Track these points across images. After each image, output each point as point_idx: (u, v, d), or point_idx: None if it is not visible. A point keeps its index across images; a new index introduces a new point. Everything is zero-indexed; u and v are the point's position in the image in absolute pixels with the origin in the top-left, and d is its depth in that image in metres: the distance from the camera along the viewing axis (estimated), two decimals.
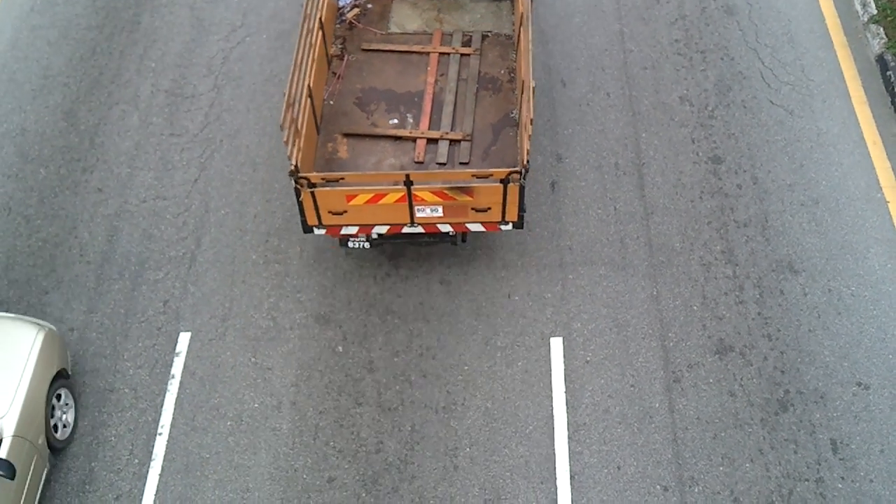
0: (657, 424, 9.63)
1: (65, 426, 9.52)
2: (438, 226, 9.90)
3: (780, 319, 10.32)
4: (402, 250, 10.97)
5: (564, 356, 10.13)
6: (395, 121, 10.73)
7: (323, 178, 9.31)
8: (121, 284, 10.81)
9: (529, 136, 9.22)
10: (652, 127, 12.10)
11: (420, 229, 9.93)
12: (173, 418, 9.82)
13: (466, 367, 10.09)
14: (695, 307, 10.46)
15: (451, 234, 10.19)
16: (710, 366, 10.02)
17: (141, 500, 9.27)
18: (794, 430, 9.55)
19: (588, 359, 10.10)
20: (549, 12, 13.45)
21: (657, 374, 9.98)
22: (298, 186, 9.33)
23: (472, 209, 9.67)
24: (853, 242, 10.90)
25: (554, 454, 9.47)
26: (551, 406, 9.79)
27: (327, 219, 9.73)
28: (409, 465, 9.45)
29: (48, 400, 9.08)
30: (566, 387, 9.92)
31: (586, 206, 11.35)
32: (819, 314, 10.35)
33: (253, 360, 10.21)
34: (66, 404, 9.57)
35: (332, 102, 10.92)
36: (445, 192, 9.45)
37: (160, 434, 9.71)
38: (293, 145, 9.36)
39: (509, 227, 9.90)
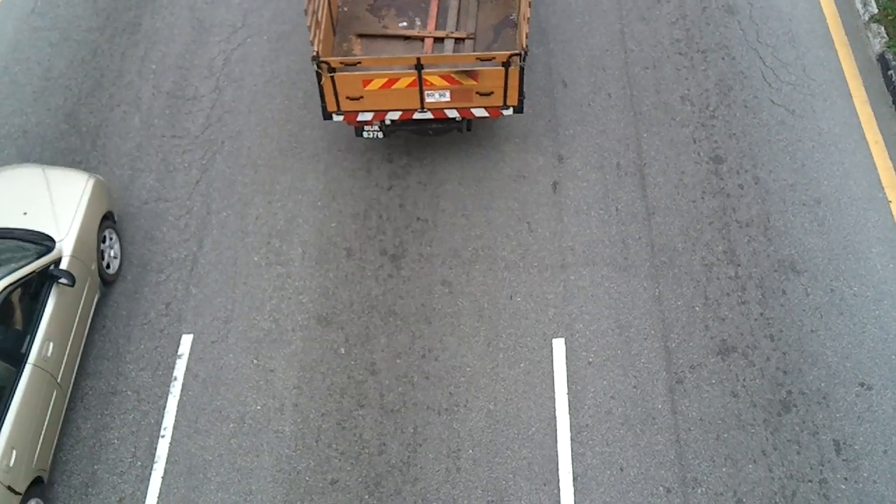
0: (660, 426, 9.64)
1: (111, 264, 10.74)
2: (446, 111, 10.76)
3: (782, 320, 10.32)
4: (405, 250, 10.98)
5: (567, 357, 10.13)
6: (405, 23, 11.79)
7: (341, 62, 10.21)
8: (123, 287, 10.81)
9: (528, 18, 10.06)
10: (653, 127, 12.09)
11: (429, 115, 10.79)
12: (176, 421, 9.82)
13: (469, 369, 10.09)
14: (697, 308, 10.46)
15: (457, 119, 11.03)
16: (713, 367, 10.02)
17: (144, 502, 9.28)
18: (797, 430, 9.55)
19: (590, 360, 10.10)
20: (549, 12, 13.44)
21: (660, 376, 9.98)
22: (319, 71, 10.20)
23: (477, 93, 10.54)
24: (855, 242, 10.90)
25: (557, 456, 9.48)
26: (554, 407, 9.79)
27: (345, 104, 10.64)
28: (411, 467, 9.45)
29: (99, 234, 10.41)
30: (569, 388, 9.92)
31: (588, 206, 11.34)
32: (821, 314, 10.35)
33: (255, 362, 10.21)
34: (112, 244, 10.83)
35: (345, 9, 11.97)
36: (452, 75, 10.30)
37: (163, 436, 9.71)
38: (314, 35, 10.30)
39: (510, 111, 10.77)
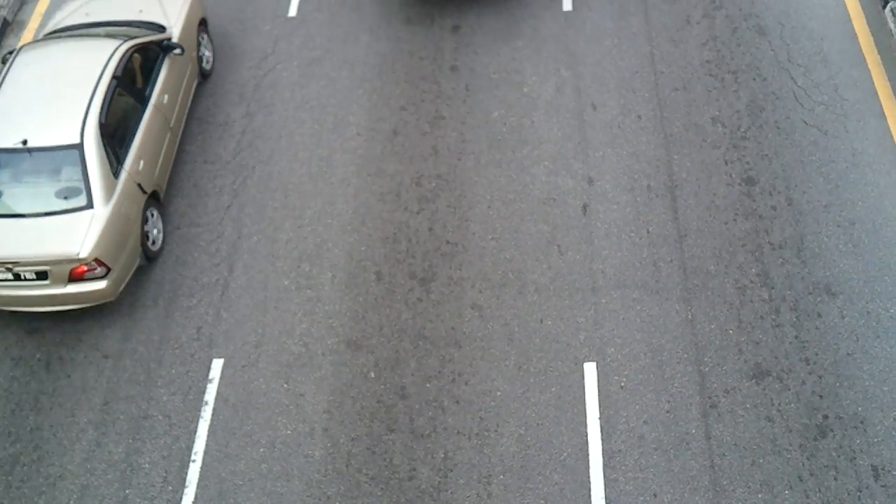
0: (694, 451, 9.50)
1: (208, 61, 13.21)
2: None
3: (817, 343, 10.16)
4: (435, 274, 10.95)
5: (598, 381, 10.04)
6: None
7: None
8: (154, 311, 10.88)
9: None
10: (684, 149, 12.01)
11: None
12: (206, 445, 9.84)
13: (499, 393, 10.03)
14: (730, 331, 10.33)
15: None
16: (747, 391, 9.87)
17: None
18: (833, 456, 9.38)
19: (622, 384, 10.00)
20: (578, 34, 13.44)
21: (693, 400, 9.85)
22: None
23: None
24: (891, 264, 10.72)
25: (589, 481, 9.37)
26: (586, 432, 9.69)
27: None
28: (442, 492, 9.38)
29: (198, 35, 12.93)
30: (601, 413, 9.82)
31: (619, 229, 11.27)
32: (857, 337, 10.18)
33: (285, 386, 10.22)
34: (207, 45, 13.25)
35: None
36: None
37: (194, 461, 9.72)
38: None
39: None
